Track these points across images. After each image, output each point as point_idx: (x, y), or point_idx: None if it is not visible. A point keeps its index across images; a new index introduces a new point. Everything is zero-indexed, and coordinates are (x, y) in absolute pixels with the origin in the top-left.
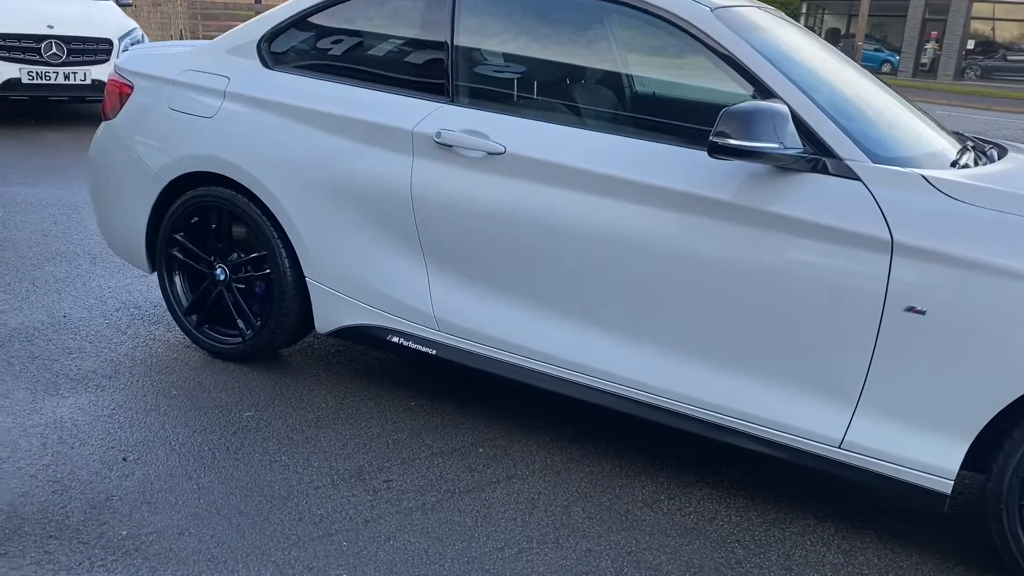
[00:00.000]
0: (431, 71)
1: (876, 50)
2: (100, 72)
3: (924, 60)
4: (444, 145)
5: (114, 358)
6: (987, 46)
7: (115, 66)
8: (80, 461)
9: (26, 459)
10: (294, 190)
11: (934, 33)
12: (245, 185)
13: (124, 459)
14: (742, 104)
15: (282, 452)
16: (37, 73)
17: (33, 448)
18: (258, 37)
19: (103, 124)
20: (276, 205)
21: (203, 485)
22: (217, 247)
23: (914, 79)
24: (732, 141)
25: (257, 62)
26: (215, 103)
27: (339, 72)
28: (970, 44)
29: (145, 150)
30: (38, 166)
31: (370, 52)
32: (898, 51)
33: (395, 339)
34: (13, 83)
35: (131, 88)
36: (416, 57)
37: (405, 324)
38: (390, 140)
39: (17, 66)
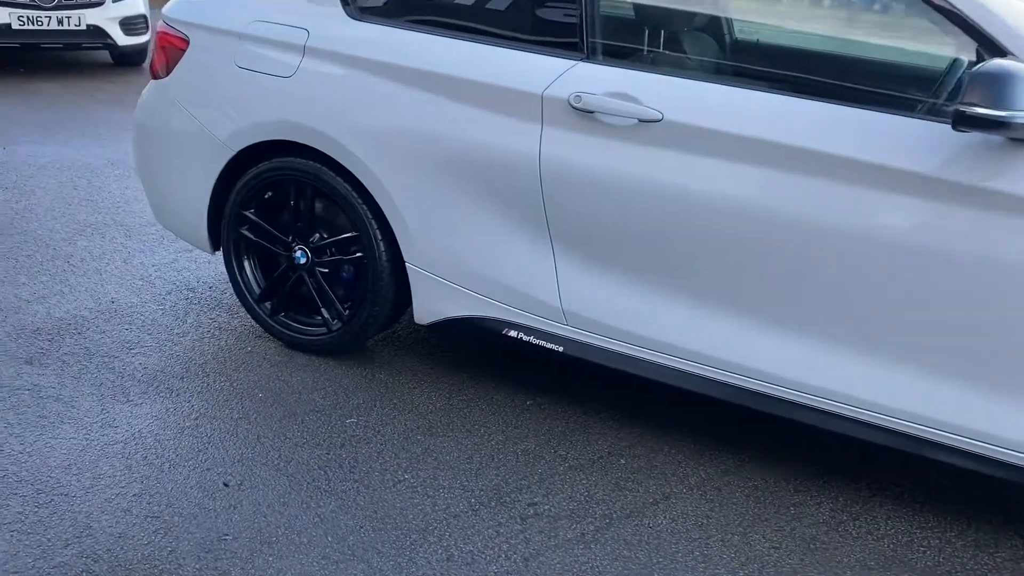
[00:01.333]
0: (560, 22)
1: None
2: (96, 16)
3: None
4: (583, 111)
5: (180, 353)
6: None
7: (164, 16)
8: (175, 489)
9: (112, 488)
10: (393, 163)
11: None
12: (333, 157)
13: (225, 484)
14: (991, 66)
15: (402, 469)
16: (28, 18)
17: (117, 473)
18: None
19: (151, 84)
20: (371, 180)
21: (325, 516)
22: (296, 226)
23: None
24: (982, 110)
25: (340, 10)
26: (293, 60)
27: (442, 25)
28: None
29: (207, 115)
30: (41, 122)
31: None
32: None
33: (513, 333)
34: (3, 29)
35: (186, 42)
36: (540, 4)
37: (526, 317)
38: (513, 105)
39: (7, 10)
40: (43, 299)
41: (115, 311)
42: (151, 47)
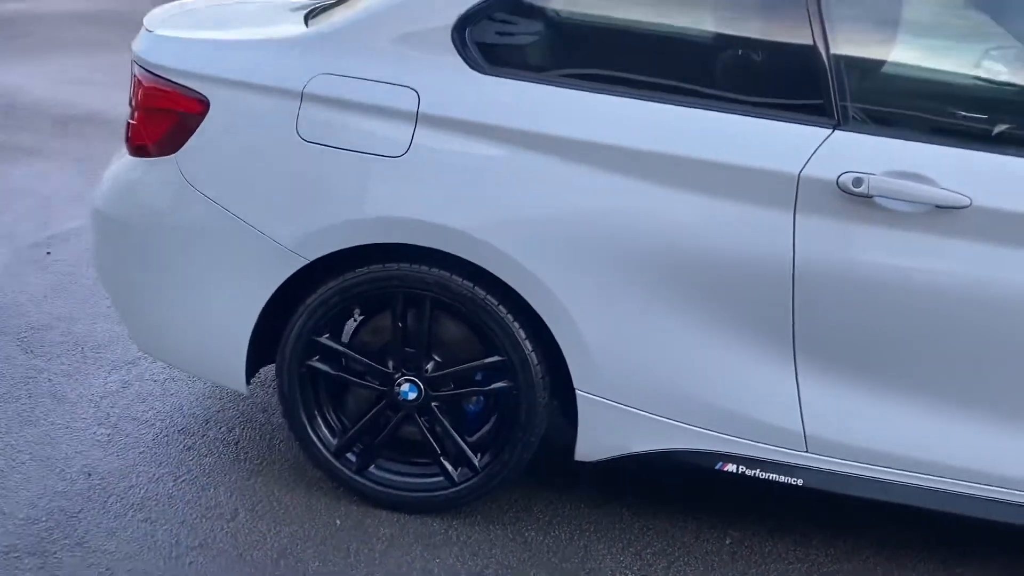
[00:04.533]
0: (793, 76)
1: None
2: None
3: None
4: (857, 196)
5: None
6: None
7: (147, 63)
8: None
9: None
10: (567, 266)
11: None
12: (475, 262)
13: None
14: None
15: None
16: None
17: None
18: (454, 18)
19: (136, 163)
20: (535, 289)
21: None
22: (404, 352)
23: None
24: None
25: (459, 61)
26: (401, 133)
27: (616, 80)
28: None
29: (253, 208)
30: None
31: (672, 40)
32: None
33: (731, 467)
34: None
35: (203, 104)
36: (759, 51)
37: (752, 447)
38: (748, 189)
39: None
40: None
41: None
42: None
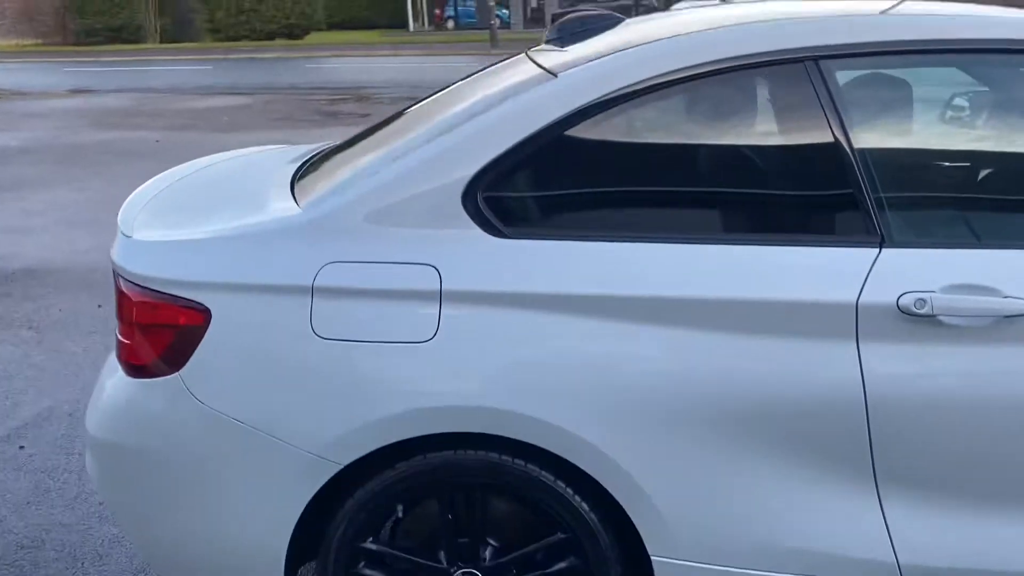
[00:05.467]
0: (827, 199)
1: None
2: None
3: (530, 10)
4: (920, 316)
5: None
6: None
7: (132, 274)
8: None
9: None
10: (627, 431)
11: None
12: (527, 441)
13: None
14: None
15: None
16: None
17: None
18: (462, 185)
19: (141, 384)
20: (596, 460)
21: None
22: (457, 544)
23: (526, 29)
24: None
25: (475, 230)
26: (426, 316)
27: (644, 226)
28: None
29: (276, 418)
30: None
31: (697, 176)
32: (506, 4)
33: None
34: None
35: (203, 315)
36: (790, 177)
37: None
38: (805, 324)
39: None
40: None
41: None
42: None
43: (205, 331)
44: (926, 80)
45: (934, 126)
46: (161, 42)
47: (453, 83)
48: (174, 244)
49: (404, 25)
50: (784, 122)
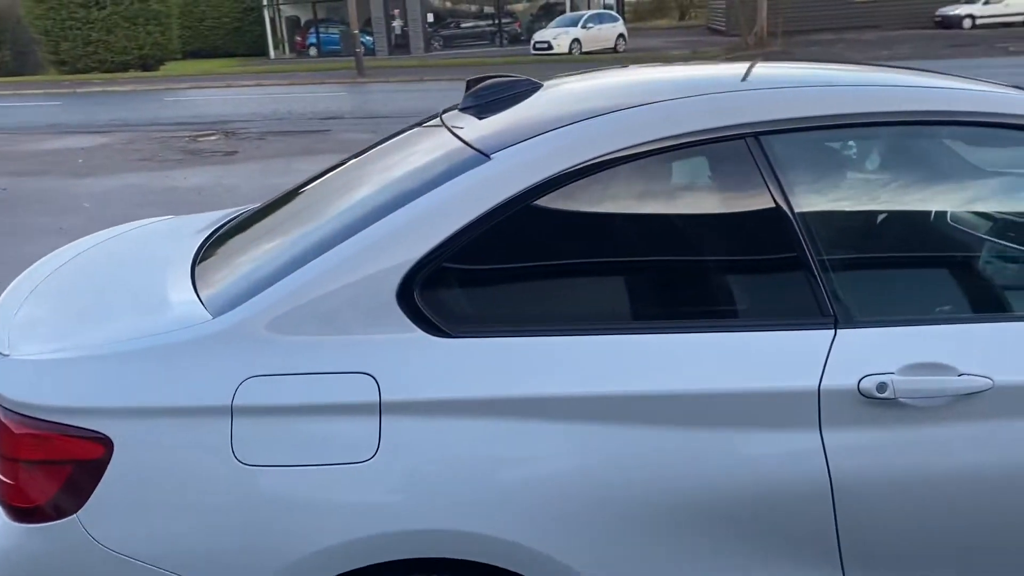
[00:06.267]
0: (778, 280)
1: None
2: None
3: (395, 36)
4: (881, 400)
5: None
6: (441, 18)
7: (16, 402)
8: None
9: None
10: (596, 540)
11: (397, 11)
12: (487, 562)
13: None
14: None
15: None
16: None
17: None
18: (399, 277)
19: (32, 531)
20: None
21: None
22: None
23: (392, 56)
24: None
25: (415, 332)
26: (365, 431)
27: (592, 316)
28: (430, 18)
29: (199, 560)
30: None
31: (648, 264)
32: (369, 31)
33: None
34: None
35: (104, 445)
36: (737, 260)
37: None
38: (766, 413)
39: None
40: None
41: None
42: None
43: (106, 464)
44: (868, 152)
45: (880, 200)
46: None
47: (363, 151)
48: (62, 363)
49: (264, 53)
50: (728, 202)
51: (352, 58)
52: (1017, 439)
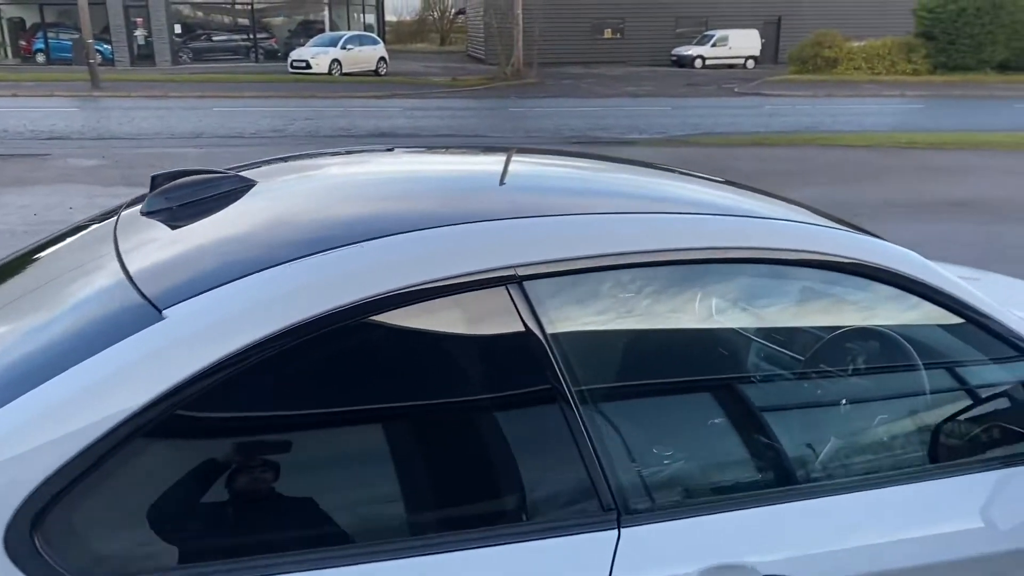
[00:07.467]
0: (550, 476)
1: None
2: None
3: (138, 46)
4: None
5: None
6: (191, 29)
7: None
8: None
9: None
10: None
11: (140, 20)
12: None
13: None
14: None
15: None
16: None
17: None
18: (6, 518)
19: None
20: None
21: None
22: None
23: (134, 68)
24: None
25: None
26: None
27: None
28: (178, 28)
29: None
30: None
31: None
32: (108, 40)
33: None
34: None
35: None
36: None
37: None
38: None
39: None
40: None
41: None
42: None
43: None
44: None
45: (665, 368)
46: None
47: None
48: None
49: None
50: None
51: (87, 68)
52: None
